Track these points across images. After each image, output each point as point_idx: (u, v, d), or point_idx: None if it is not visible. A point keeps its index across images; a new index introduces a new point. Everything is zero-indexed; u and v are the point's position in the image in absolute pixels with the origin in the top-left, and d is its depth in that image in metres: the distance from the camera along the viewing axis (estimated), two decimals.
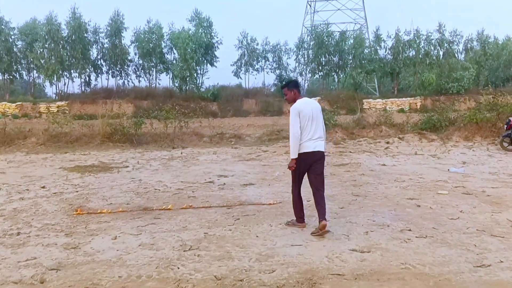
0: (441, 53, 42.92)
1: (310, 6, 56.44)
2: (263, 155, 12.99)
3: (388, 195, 7.30)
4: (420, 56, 42.01)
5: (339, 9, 56.69)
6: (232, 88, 39.73)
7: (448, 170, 9.90)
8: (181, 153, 13.92)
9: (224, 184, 8.58)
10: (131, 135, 16.19)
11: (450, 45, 43.23)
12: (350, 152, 13.28)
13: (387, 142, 15.42)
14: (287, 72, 43.35)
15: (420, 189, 7.84)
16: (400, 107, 37.17)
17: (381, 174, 9.49)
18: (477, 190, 7.60)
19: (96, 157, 13.33)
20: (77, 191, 8.06)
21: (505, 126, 13.51)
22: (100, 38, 40.24)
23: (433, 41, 42.73)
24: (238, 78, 42.96)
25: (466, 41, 43.39)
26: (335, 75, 44.85)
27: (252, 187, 8.23)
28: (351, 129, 17.01)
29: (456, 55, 43.66)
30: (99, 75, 41.39)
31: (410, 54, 42.41)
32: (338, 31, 44.47)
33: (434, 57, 42.48)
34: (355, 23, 54.19)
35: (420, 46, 42.52)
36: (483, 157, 12.32)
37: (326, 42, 42.09)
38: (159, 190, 8.10)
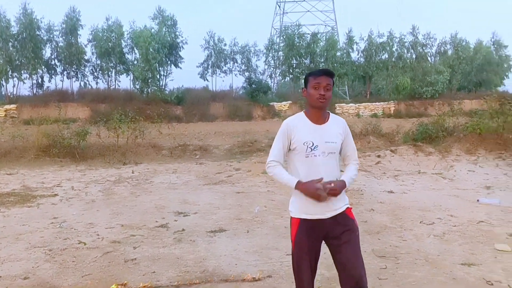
0: (414, 56, 41.61)
1: (280, 7, 54.56)
2: (235, 175, 10.44)
3: (429, 256, 4.90)
4: (393, 59, 40.57)
5: (309, 11, 55.05)
6: (198, 91, 37.03)
7: (478, 201, 7.65)
8: (132, 172, 11.21)
9: (183, 230, 5.99)
10: (73, 147, 13.31)
11: (424, 48, 41.96)
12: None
13: (378, 156, 13.15)
14: (257, 75, 40.97)
15: (464, 239, 5.50)
16: (373, 112, 35.54)
17: (396, 209, 7.12)
18: None
19: (22, 178, 10.48)
20: None
21: None
22: (54, 36, 36.73)
23: (406, 44, 41.41)
24: (204, 80, 40.28)
25: (440, 44, 42.16)
26: None
27: (223, 238, 5.68)
28: None
29: (429, 58, 42.42)
30: (53, 76, 37.80)
31: (383, 57, 40.95)
32: (309, 33, 42.54)
33: (407, 61, 41.13)
34: (326, 25, 52.61)
35: (394, 49, 41.12)
36: (501, 177, 10.20)
37: (297, 44, 40.02)
38: (85, 244, 5.45)
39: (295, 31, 41.09)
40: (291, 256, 2.92)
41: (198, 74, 39.92)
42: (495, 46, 42.48)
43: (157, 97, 33.47)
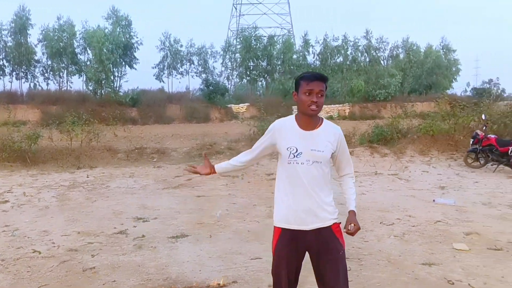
0: (368, 59, 42.68)
1: (236, 9, 54.62)
2: (195, 178, 10.27)
3: (391, 256, 4.97)
4: (348, 62, 41.48)
5: (265, 13, 55.45)
6: (153, 93, 36.35)
7: (434, 201, 7.87)
8: (87, 176, 10.82)
9: (143, 236, 5.81)
10: (24, 151, 12.71)
11: (377, 52, 43.12)
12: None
13: None
14: (214, 76, 40.73)
15: (423, 239, 5.62)
16: (329, 114, 36.06)
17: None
18: (501, 240, 5.52)
19: None
20: None
21: (471, 140, 11.93)
22: (3, 36, 35.15)
23: (360, 47, 42.44)
24: (160, 81, 39.74)
25: (392, 48, 43.45)
26: (263, 80, 43.07)
27: (185, 243, 5.55)
28: None
29: (382, 62, 43.62)
30: (1, 77, 36.23)
31: (338, 60, 41.78)
32: (266, 36, 42.79)
33: (361, 64, 42.15)
34: (282, 28, 53.14)
35: (348, 53, 42.06)
36: (453, 177, 10.57)
37: (254, 46, 40.17)
38: (40, 253, 5.18)
39: (252, 33, 41.26)
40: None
41: (154, 75, 39.43)
42: (444, 50, 44.23)
43: (111, 99, 32.59)
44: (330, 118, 33.29)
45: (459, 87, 50.47)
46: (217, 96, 33.97)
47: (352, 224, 2.68)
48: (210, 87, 34.40)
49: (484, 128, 11.97)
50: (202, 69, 40.37)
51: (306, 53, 42.07)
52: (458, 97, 26.80)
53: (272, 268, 2.79)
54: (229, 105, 34.59)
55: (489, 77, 45.62)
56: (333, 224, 2.69)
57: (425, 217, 6.67)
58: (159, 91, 37.59)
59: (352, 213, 2.76)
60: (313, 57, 42.12)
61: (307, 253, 2.74)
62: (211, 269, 4.64)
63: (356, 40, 41.94)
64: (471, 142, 11.95)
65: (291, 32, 51.25)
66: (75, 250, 5.27)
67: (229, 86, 42.60)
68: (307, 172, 2.64)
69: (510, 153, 10.75)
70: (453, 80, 44.80)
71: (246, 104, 35.16)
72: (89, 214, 7.07)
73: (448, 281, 4.25)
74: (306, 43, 41.68)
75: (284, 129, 2.74)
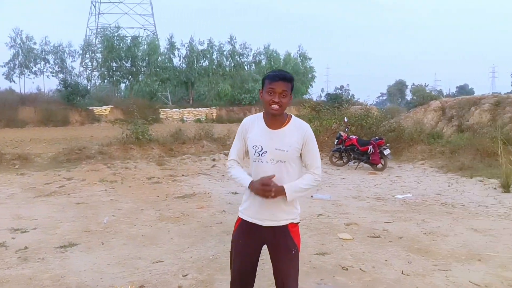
0: (232, 64, 43.95)
1: (95, 7, 51.92)
2: (69, 185, 9.59)
3: None
4: (213, 66, 42.22)
5: (126, 13, 53.64)
6: (2, 94, 32.86)
7: (312, 196, 8.48)
8: None
9: (26, 248, 5.28)
10: None
11: (241, 57, 44.62)
12: (183, 175, 10.92)
13: (214, 160, 13.57)
14: (72, 77, 38.18)
15: (312, 231, 6.06)
16: (197, 117, 36.39)
17: None
18: (377, 229, 6.20)
19: None
20: None
21: (336, 141, 13.11)
22: None
23: (225, 52, 43.53)
24: (10, 81, 36.09)
25: (255, 54, 45.37)
26: (127, 82, 41.65)
27: (76, 252, 5.18)
28: (169, 144, 14.59)
29: (246, 67, 45.27)
30: None
31: (204, 64, 42.31)
32: (129, 36, 41.46)
33: (227, 68, 43.26)
34: (145, 29, 51.97)
35: (214, 57, 42.83)
36: (322, 175, 11.46)
37: (117, 47, 38.65)
38: None
39: (114, 33, 39.66)
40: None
41: (3, 74, 35.81)
42: (301, 58, 47.60)
43: None
44: (198, 121, 33.59)
45: (314, 92, 54.53)
46: (77, 97, 31.81)
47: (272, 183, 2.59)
48: (69, 88, 32.08)
49: (346, 129, 13.25)
50: (59, 69, 37.61)
51: (172, 55, 41.82)
52: (315, 102, 29.03)
53: (230, 255, 2.85)
54: (90, 107, 32.71)
55: (340, 84, 50.36)
56: (290, 223, 2.72)
57: (308, 212, 7.17)
58: (8, 92, 34.11)
59: (280, 186, 2.62)
60: (179, 60, 42.07)
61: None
62: (113, 276, 4.43)
63: (221, 45, 42.98)
64: (335, 143, 13.13)
65: (155, 33, 50.40)
66: None
67: (90, 87, 40.37)
68: (271, 171, 2.63)
69: (369, 151, 12.08)
70: (309, 86, 48.45)
71: (110, 106, 33.67)
72: None
73: (342, 268, 4.66)
74: (171, 45, 41.42)
75: (252, 126, 2.74)
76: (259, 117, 2.79)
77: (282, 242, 2.71)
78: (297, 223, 2.78)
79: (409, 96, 56.21)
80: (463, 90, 60.46)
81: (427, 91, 41.91)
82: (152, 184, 9.71)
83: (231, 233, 5.81)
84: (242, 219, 2.79)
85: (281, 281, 2.75)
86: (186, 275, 4.48)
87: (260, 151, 2.67)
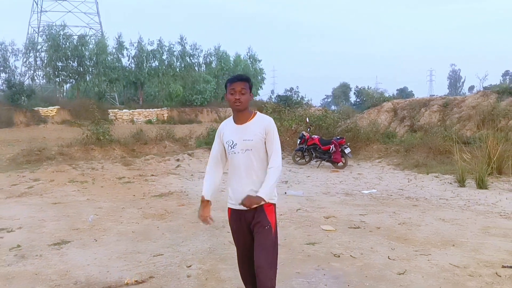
0: (183, 65, 43.66)
1: (37, 5, 49.92)
2: (37, 186, 9.38)
3: (279, 240, 5.58)
4: (164, 67, 41.77)
5: (70, 11, 51.95)
6: None
7: (285, 193, 8.83)
8: None
9: (19, 246, 5.26)
10: None
11: (191, 58, 44.42)
12: (153, 175, 10.94)
13: (178, 160, 13.64)
14: (16, 76, 36.56)
15: (295, 224, 6.40)
16: (147, 118, 35.85)
17: (224, 206, 7.68)
18: (355, 221, 6.63)
19: None
20: None
21: (299, 140, 13.56)
22: None
23: (175, 52, 43.18)
24: None
25: (205, 55, 45.33)
26: (74, 82, 40.36)
27: (72, 248, 5.23)
28: (131, 145, 14.48)
29: (196, 68, 45.12)
30: None
31: (154, 65, 41.77)
32: (77, 35, 40.26)
33: (177, 69, 42.91)
34: (90, 28, 50.58)
35: (164, 57, 42.37)
36: (288, 173, 11.87)
37: (63, 46, 37.39)
38: None
39: (60, 31, 38.36)
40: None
41: None
42: (251, 60, 48.07)
43: None
44: (149, 122, 33.19)
45: (264, 94, 55.33)
46: (21, 98, 30.49)
47: (246, 198, 2.97)
48: (13, 88, 30.69)
49: (308, 129, 13.75)
50: (2, 68, 35.90)
51: (120, 55, 40.95)
52: (266, 103, 29.52)
53: (233, 237, 3.31)
54: (36, 108, 31.45)
55: (290, 86, 51.34)
56: (266, 203, 3.03)
57: (287, 207, 7.52)
58: None
59: (257, 197, 2.98)
60: (128, 60, 41.29)
61: None
62: (119, 269, 4.55)
63: (171, 46, 42.60)
64: (298, 142, 13.59)
65: (101, 32, 49.14)
66: None
67: (34, 87, 38.77)
68: (242, 160, 3.07)
69: (331, 150, 12.63)
70: (260, 88, 49.00)
71: (56, 107, 32.53)
72: None
73: (334, 255, 5.03)
74: (120, 45, 40.57)
75: (226, 128, 3.19)
76: (229, 119, 3.24)
77: (258, 219, 3.06)
78: (273, 204, 3.12)
79: (353, 98, 58.01)
80: (403, 92, 63.06)
81: (370, 93, 43.58)
82: (125, 184, 9.71)
83: (220, 227, 6.12)
84: (231, 208, 3.19)
85: (256, 256, 3.03)
86: (190, 265, 4.68)
87: (232, 144, 3.10)
